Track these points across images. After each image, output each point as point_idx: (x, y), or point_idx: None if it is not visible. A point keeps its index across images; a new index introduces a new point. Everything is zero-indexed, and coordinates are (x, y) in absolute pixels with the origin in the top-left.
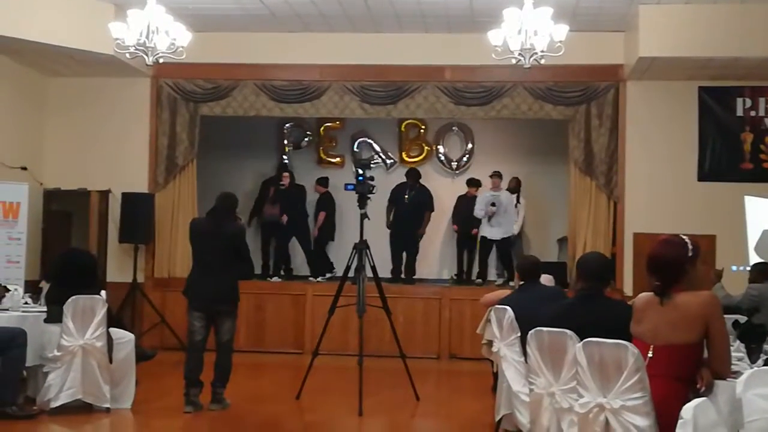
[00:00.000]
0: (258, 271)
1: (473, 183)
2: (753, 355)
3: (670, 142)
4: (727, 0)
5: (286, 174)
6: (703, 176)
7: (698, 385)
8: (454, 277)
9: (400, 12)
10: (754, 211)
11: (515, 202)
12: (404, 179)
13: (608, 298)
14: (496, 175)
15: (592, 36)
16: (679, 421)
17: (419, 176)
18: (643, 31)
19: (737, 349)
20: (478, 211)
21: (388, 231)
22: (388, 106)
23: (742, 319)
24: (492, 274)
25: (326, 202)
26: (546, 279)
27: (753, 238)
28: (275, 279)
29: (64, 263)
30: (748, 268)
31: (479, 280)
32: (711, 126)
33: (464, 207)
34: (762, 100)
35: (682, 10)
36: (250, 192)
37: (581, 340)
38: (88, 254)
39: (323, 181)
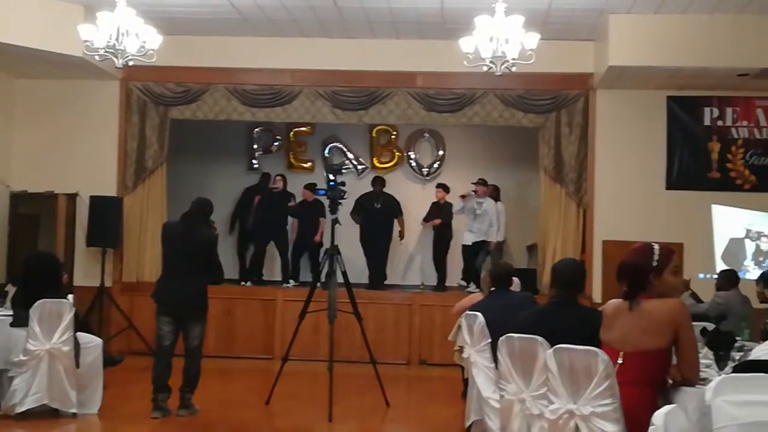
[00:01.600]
0: (236, 276)
1: (443, 187)
2: (721, 362)
3: (639, 150)
4: (696, 10)
5: (279, 177)
6: (671, 185)
7: (669, 380)
8: (423, 286)
9: (372, 18)
10: (720, 220)
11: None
12: (372, 188)
13: (578, 305)
14: (482, 183)
15: (562, 44)
16: (651, 428)
17: (384, 184)
18: (613, 41)
19: (705, 356)
20: (459, 211)
21: (359, 238)
22: (359, 112)
23: (711, 326)
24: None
25: (322, 208)
26: (514, 283)
27: (720, 246)
28: (247, 284)
29: (29, 266)
30: (715, 276)
31: (470, 288)
32: (679, 135)
33: (436, 214)
34: (729, 110)
35: (652, 20)
36: (220, 196)
37: (552, 346)
38: (51, 256)
39: (312, 188)
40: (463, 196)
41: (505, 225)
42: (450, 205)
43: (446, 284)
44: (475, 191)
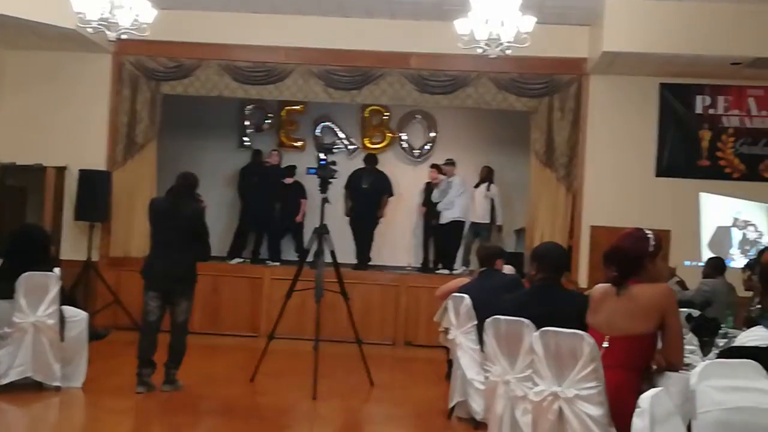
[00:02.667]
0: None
1: (437, 168)
2: (705, 348)
3: (630, 136)
4: None
5: (275, 151)
6: (661, 172)
7: (654, 367)
8: (410, 266)
9: None
10: (708, 208)
11: (485, 191)
12: (364, 165)
13: (565, 289)
14: (450, 163)
15: (557, 29)
16: (636, 410)
17: (377, 162)
18: (608, 26)
19: (689, 342)
20: (435, 196)
21: (347, 218)
22: (352, 92)
23: (696, 313)
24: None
25: (302, 189)
26: (507, 269)
27: (707, 234)
28: (236, 261)
29: (16, 239)
30: (701, 264)
31: (445, 271)
32: (670, 122)
33: (429, 193)
34: (721, 99)
35: (648, 6)
36: (210, 173)
37: (538, 329)
38: (41, 229)
39: (292, 170)
40: (428, 183)
41: (499, 207)
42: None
43: (435, 267)
44: (444, 173)
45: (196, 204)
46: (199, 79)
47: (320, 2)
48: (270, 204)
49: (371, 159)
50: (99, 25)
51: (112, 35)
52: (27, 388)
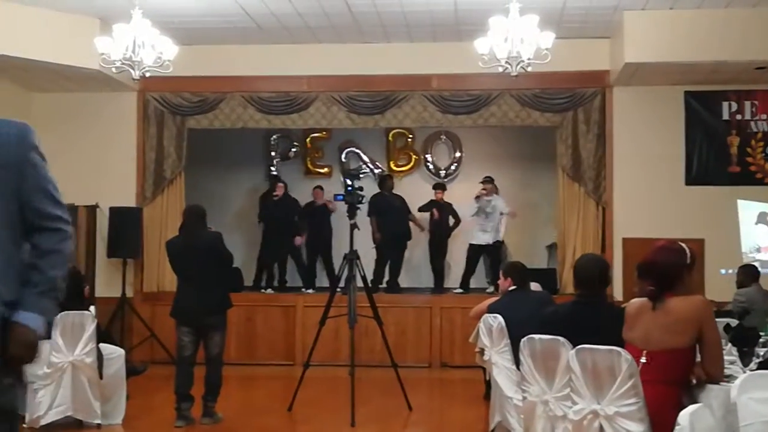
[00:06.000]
0: (249, 283)
1: (441, 187)
2: (745, 359)
3: (658, 146)
4: (711, 5)
5: (280, 185)
6: (690, 180)
7: (693, 380)
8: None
9: (385, 22)
10: (745, 214)
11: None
12: (390, 190)
13: (605, 303)
14: (488, 181)
15: (577, 43)
16: (676, 428)
17: (391, 181)
18: (628, 37)
19: (729, 353)
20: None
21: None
22: (375, 116)
23: (734, 322)
24: (482, 282)
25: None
26: (534, 286)
27: (746, 241)
28: (268, 291)
29: None
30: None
31: (459, 290)
32: (698, 130)
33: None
34: (747, 104)
35: (667, 16)
36: (239, 204)
37: (574, 345)
38: (72, 269)
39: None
40: (477, 197)
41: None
42: (449, 204)
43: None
44: (484, 190)
45: (211, 232)
46: (223, 112)
47: (339, 30)
48: (287, 235)
49: (385, 180)
50: (123, 64)
51: (136, 74)
52: (68, 427)
